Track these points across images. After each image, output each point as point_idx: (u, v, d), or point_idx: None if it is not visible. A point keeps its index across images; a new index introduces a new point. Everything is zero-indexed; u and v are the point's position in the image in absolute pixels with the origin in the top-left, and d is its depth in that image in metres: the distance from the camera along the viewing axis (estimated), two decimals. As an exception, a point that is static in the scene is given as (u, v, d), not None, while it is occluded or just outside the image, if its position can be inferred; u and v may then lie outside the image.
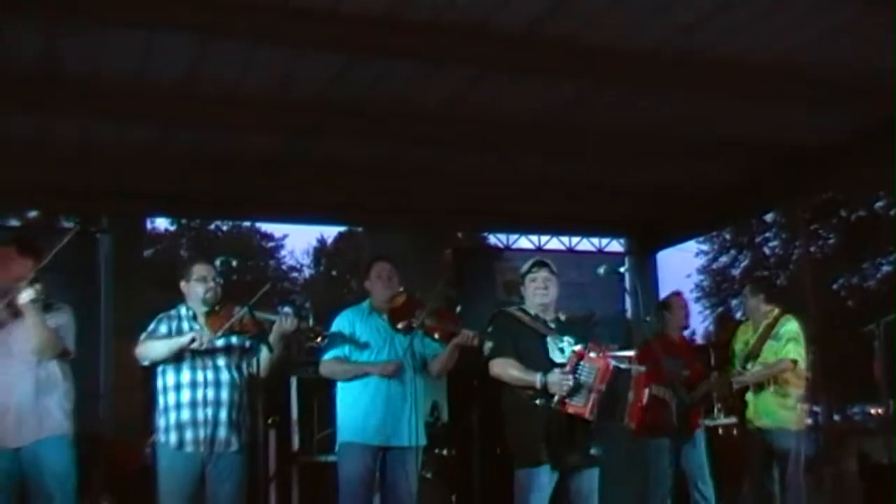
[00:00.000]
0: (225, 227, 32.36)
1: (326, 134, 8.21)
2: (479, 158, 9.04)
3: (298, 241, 43.88)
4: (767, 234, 29.80)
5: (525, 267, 5.38)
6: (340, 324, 5.51)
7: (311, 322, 5.31)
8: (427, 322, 5.31)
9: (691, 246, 29.30)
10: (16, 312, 4.88)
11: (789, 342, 6.65)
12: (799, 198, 12.31)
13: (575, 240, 11.51)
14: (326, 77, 7.01)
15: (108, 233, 9.46)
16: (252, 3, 5.87)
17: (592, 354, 4.96)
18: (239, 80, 7.02)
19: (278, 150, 8.58)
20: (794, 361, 6.60)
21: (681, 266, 27.94)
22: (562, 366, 4.97)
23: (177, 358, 4.98)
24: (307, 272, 35.59)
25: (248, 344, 5.10)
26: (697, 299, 30.02)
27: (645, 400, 4.98)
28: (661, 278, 11.73)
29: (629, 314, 11.17)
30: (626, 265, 8.20)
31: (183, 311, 5.17)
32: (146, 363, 5.07)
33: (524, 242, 11.43)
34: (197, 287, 5.11)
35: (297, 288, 34.39)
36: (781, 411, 6.60)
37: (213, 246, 30.50)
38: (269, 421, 7.19)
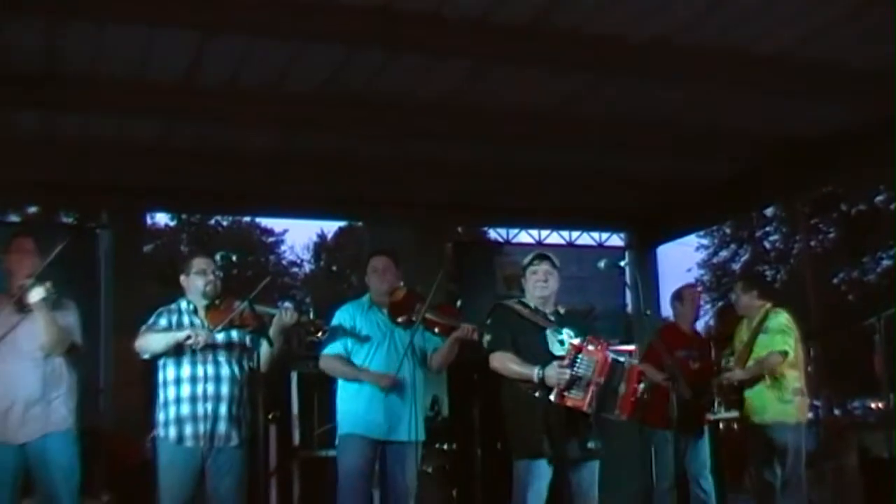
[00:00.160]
0: (225, 223, 32.39)
1: (327, 128, 8.21)
2: (480, 152, 9.03)
3: (298, 235, 43.92)
4: (768, 229, 29.79)
5: (526, 260, 5.37)
6: (341, 317, 5.50)
7: (311, 316, 5.29)
8: (427, 316, 5.30)
9: (691, 240, 29.32)
10: (23, 309, 4.88)
11: (777, 334, 6.62)
12: (799, 192, 12.33)
13: (575, 234, 11.53)
14: (327, 70, 7.00)
15: (108, 228, 9.46)
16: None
17: (591, 347, 4.95)
18: (238, 75, 7.02)
19: (278, 144, 8.59)
20: (785, 353, 6.57)
21: (681, 260, 28.00)
22: (561, 358, 4.96)
23: (177, 352, 4.97)
24: (307, 267, 35.61)
25: (248, 338, 5.09)
26: (698, 293, 29.97)
27: (638, 393, 4.97)
28: (661, 272, 11.75)
29: (629, 308, 11.20)
30: (627, 259, 8.21)
31: (183, 305, 5.16)
32: (146, 356, 5.06)
33: (524, 237, 11.45)
34: (197, 280, 5.10)
35: (297, 283, 34.39)
36: (778, 405, 6.58)
37: (213, 241, 30.52)
38: (270, 416, 7.18)
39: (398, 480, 5.32)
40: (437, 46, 6.60)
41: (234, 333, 5.07)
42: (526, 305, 5.26)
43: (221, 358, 5.03)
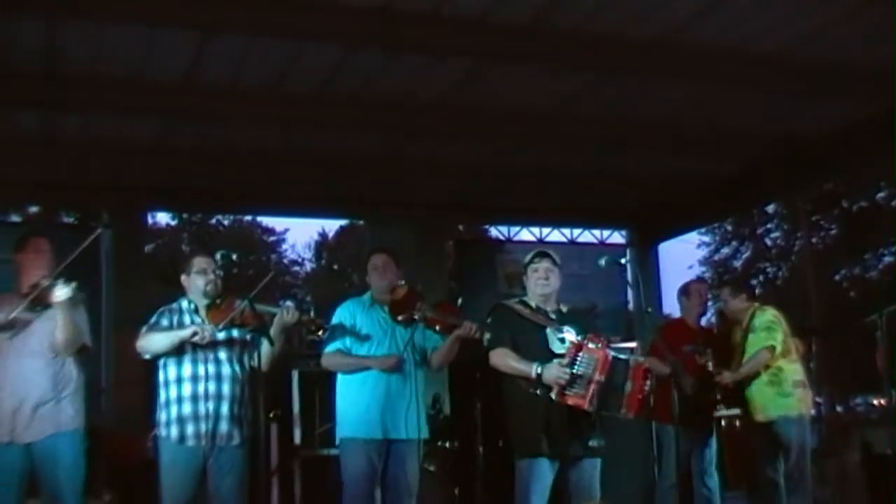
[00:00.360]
0: (226, 222, 32.41)
1: (327, 127, 8.22)
2: (481, 151, 9.03)
3: (299, 234, 44.04)
4: (769, 226, 29.80)
5: (528, 257, 5.38)
6: (341, 315, 5.50)
7: (312, 314, 5.29)
8: (428, 314, 5.30)
9: (693, 237, 29.34)
10: (35, 308, 4.86)
11: (763, 331, 6.64)
12: (800, 189, 12.33)
13: (576, 232, 11.52)
14: (327, 70, 7.00)
15: (108, 228, 9.46)
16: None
17: (591, 345, 4.95)
18: (238, 74, 7.02)
19: (279, 144, 8.58)
20: (772, 348, 6.58)
21: (682, 257, 27.99)
22: (561, 357, 4.96)
23: (178, 351, 4.97)
24: (308, 266, 35.64)
25: (249, 337, 5.09)
26: (699, 291, 29.95)
27: (645, 391, 4.96)
28: (662, 270, 11.74)
29: (630, 305, 11.21)
30: (628, 257, 8.19)
31: (184, 304, 5.16)
32: (147, 356, 5.06)
33: (525, 235, 11.44)
34: (197, 280, 5.10)
35: (298, 282, 34.41)
36: (779, 399, 6.58)
37: (214, 240, 30.56)
38: (271, 415, 7.19)
39: (400, 478, 5.32)
40: (436, 46, 6.60)
41: (235, 332, 5.07)
42: (527, 304, 5.26)
43: (223, 357, 5.03)
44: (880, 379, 7.55)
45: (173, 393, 4.99)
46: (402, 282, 5.49)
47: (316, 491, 7.42)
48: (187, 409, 4.94)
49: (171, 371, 5.01)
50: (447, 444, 7.65)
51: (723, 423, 8.21)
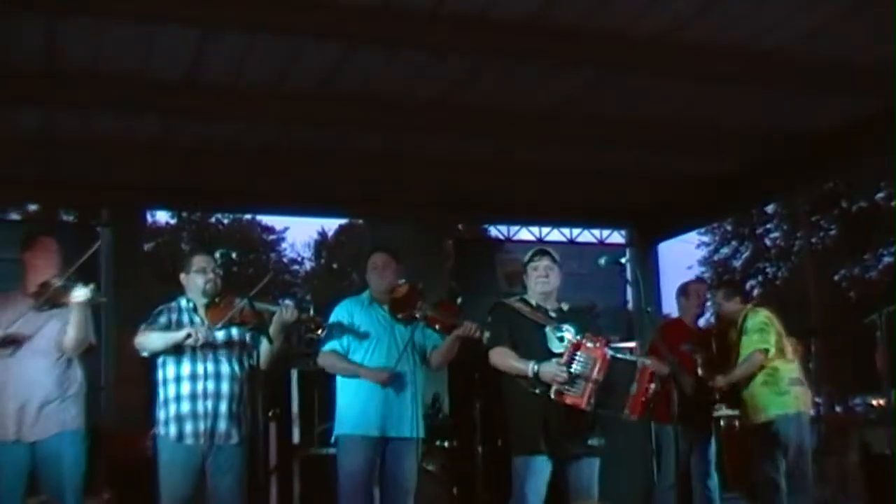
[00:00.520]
0: (226, 221, 32.41)
1: (327, 126, 8.21)
2: (480, 149, 9.02)
3: (299, 233, 44.07)
4: (769, 226, 29.81)
5: (527, 256, 5.37)
6: (340, 313, 5.49)
7: (311, 313, 5.29)
8: (429, 313, 5.30)
9: (692, 237, 29.35)
10: (42, 307, 4.86)
11: (755, 333, 6.62)
12: (800, 188, 12.32)
13: (576, 231, 11.52)
14: (327, 68, 6.99)
15: (108, 226, 9.46)
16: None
17: (589, 345, 4.95)
18: (238, 73, 7.01)
19: (278, 142, 8.57)
20: (765, 350, 6.57)
21: (682, 257, 28.00)
22: (559, 356, 4.96)
23: (177, 350, 4.97)
24: (308, 265, 35.65)
25: (248, 336, 5.09)
26: (698, 290, 29.96)
27: (650, 394, 4.96)
28: (662, 269, 11.75)
29: (630, 305, 11.21)
30: (628, 256, 8.17)
31: (183, 302, 5.15)
32: (145, 354, 5.05)
33: (525, 234, 11.44)
34: (196, 278, 5.10)
35: (297, 280, 34.41)
36: (776, 398, 6.57)
37: (214, 239, 30.55)
38: (270, 413, 7.18)
39: (398, 477, 5.32)
40: (436, 44, 6.59)
41: (234, 331, 5.07)
42: (527, 303, 5.26)
43: (221, 355, 5.03)
44: (879, 379, 7.56)
45: (172, 391, 4.99)
46: (403, 280, 5.49)
47: (315, 490, 7.41)
48: (186, 407, 4.94)
49: (170, 369, 5.01)
50: (446, 444, 7.65)
51: (722, 423, 8.22)
